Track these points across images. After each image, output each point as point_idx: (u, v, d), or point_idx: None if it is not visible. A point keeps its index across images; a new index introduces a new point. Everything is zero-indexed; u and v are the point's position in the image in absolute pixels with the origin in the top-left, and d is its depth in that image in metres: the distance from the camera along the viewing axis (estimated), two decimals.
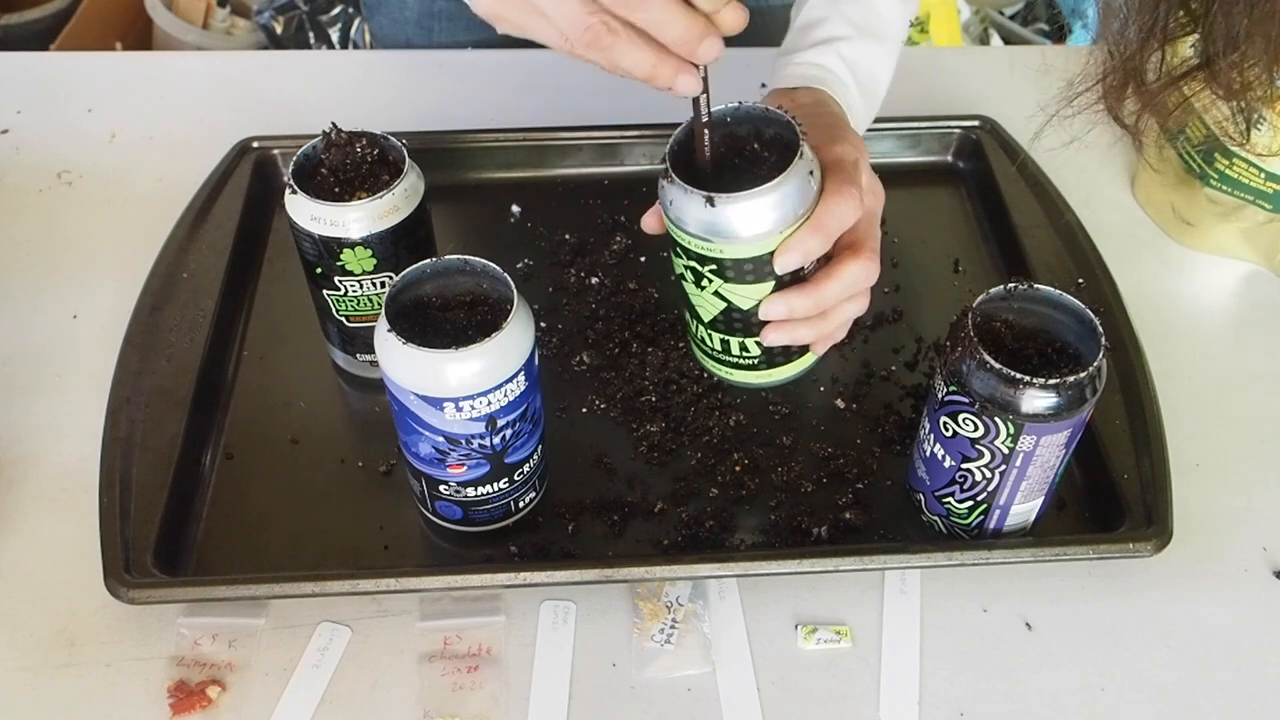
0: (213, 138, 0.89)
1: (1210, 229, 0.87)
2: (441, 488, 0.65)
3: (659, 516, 0.69)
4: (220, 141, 0.88)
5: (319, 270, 0.69)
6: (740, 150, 0.61)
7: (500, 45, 1.06)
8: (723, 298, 0.60)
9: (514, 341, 0.59)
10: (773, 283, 0.59)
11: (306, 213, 0.66)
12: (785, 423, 0.74)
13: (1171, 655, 0.65)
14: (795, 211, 0.57)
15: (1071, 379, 0.58)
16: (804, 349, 0.65)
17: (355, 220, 0.66)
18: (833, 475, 0.71)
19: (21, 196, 0.90)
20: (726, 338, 0.63)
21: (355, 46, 1.96)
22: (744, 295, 0.60)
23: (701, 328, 0.64)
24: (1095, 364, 0.59)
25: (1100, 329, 0.60)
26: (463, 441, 0.61)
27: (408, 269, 0.61)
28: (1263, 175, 0.82)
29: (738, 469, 0.72)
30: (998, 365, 0.58)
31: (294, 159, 0.68)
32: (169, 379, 0.73)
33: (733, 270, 0.59)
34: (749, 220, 0.56)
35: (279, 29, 1.94)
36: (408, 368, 0.58)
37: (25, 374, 0.77)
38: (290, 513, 0.69)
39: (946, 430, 0.62)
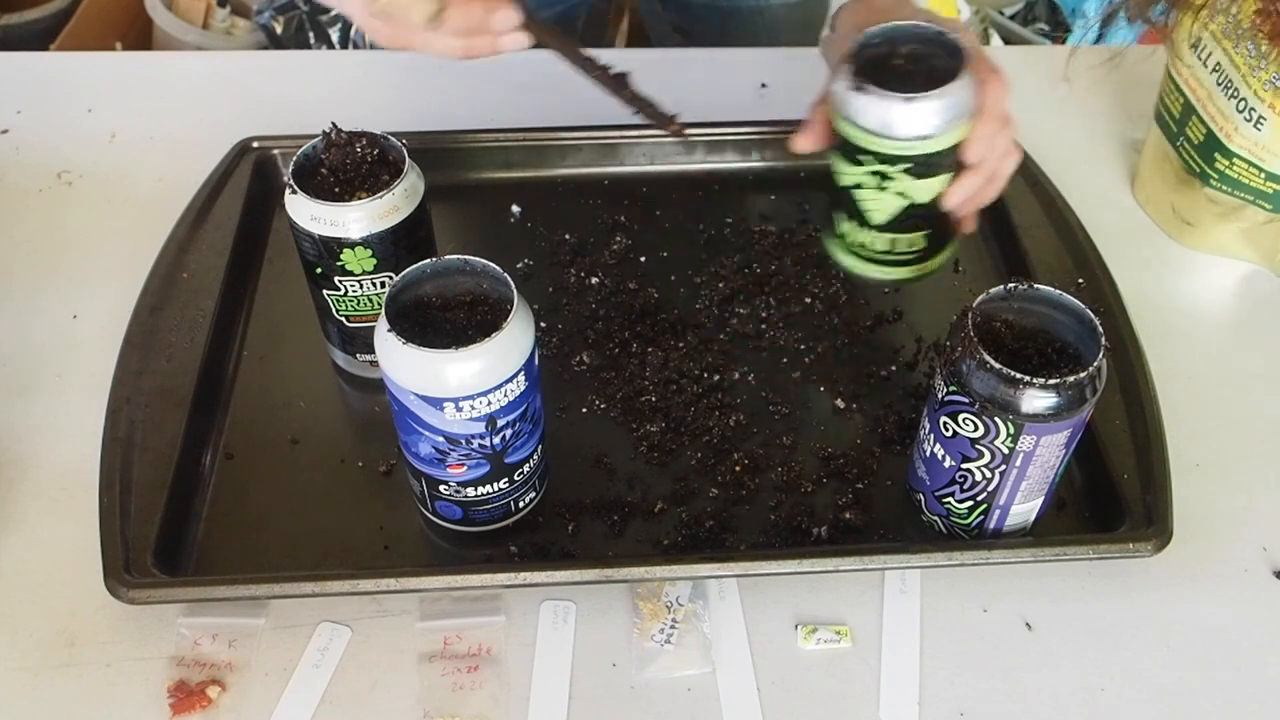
0: (213, 138, 0.89)
1: (1210, 229, 0.87)
2: (441, 488, 0.65)
3: (659, 516, 0.69)
4: (220, 141, 0.88)
5: (319, 270, 0.69)
6: (889, 64, 0.68)
7: None
8: (905, 195, 0.67)
9: (514, 341, 0.59)
10: (949, 174, 0.67)
11: (306, 213, 0.66)
12: (785, 423, 0.75)
13: (1171, 655, 0.65)
14: (970, 106, 0.65)
15: (1071, 379, 0.58)
16: (949, 242, 0.72)
17: (355, 220, 0.66)
18: (833, 475, 0.71)
19: (21, 196, 0.90)
20: (896, 236, 0.70)
21: (355, 46, 1.95)
22: (926, 189, 0.67)
23: (867, 232, 0.70)
24: (1095, 364, 0.59)
25: (1100, 329, 0.60)
26: (463, 441, 0.61)
27: (408, 269, 0.61)
28: (1263, 175, 0.82)
29: (738, 469, 0.72)
30: (998, 365, 0.58)
31: (294, 159, 0.68)
32: (169, 379, 0.73)
33: (922, 165, 0.65)
34: (944, 115, 0.64)
35: (279, 29, 1.93)
36: (408, 368, 0.58)
37: (25, 374, 0.77)
38: (290, 513, 0.69)
39: (946, 430, 0.62)
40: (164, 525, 0.66)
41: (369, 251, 0.67)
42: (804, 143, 0.69)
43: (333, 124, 0.69)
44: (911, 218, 0.69)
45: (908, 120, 0.64)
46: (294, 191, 0.67)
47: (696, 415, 0.74)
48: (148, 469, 0.68)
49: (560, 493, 0.70)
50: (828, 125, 0.67)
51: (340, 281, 0.69)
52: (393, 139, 0.70)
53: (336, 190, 0.68)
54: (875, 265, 0.72)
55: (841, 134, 0.67)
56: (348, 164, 0.69)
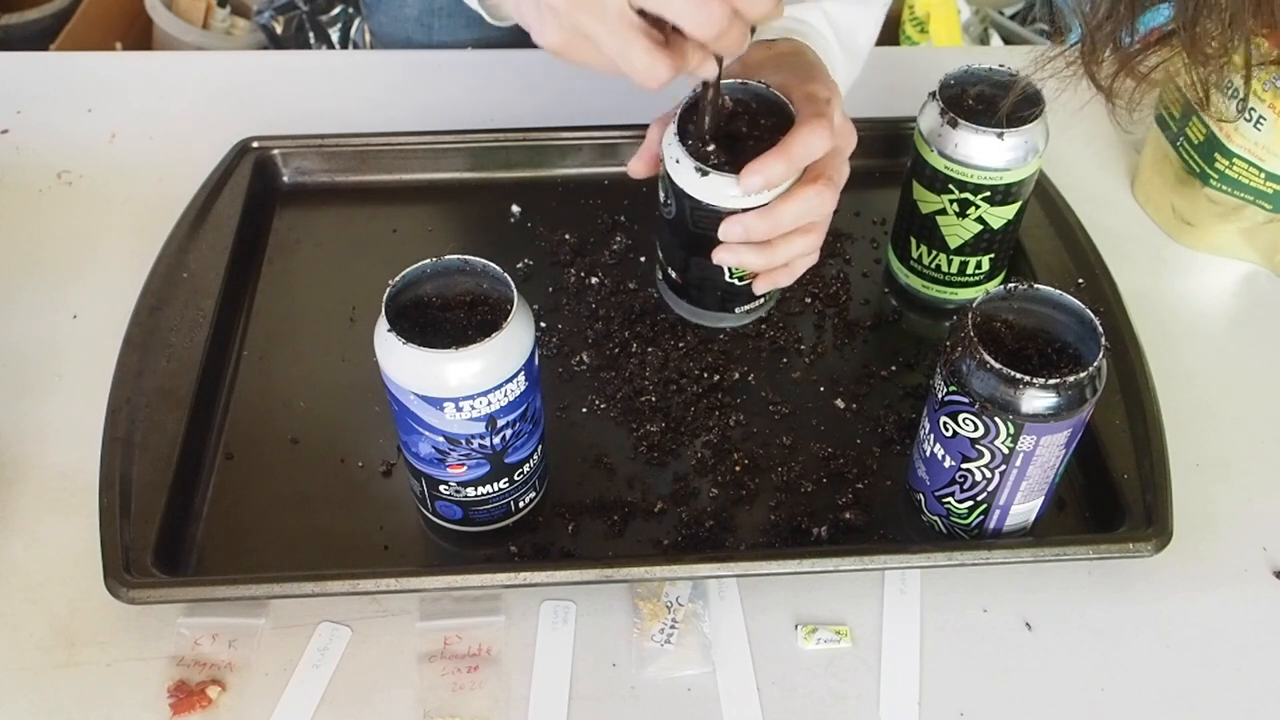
0: (213, 138, 0.89)
1: (1210, 229, 0.87)
2: (441, 488, 0.65)
3: (659, 516, 0.69)
4: (220, 141, 0.88)
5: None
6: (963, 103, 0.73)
7: (500, 45, 1.06)
8: (982, 221, 0.74)
9: (514, 341, 0.59)
10: (1021, 201, 0.74)
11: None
12: (785, 423, 0.75)
13: (1171, 655, 0.65)
14: (1043, 143, 0.72)
15: (1071, 379, 0.58)
16: (1008, 263, 0.79)
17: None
18: (833, 475, 0.71)
19: (21, 196, 0.90)
20: (967, 259, 0.77)
21: (355, 46, 1.95)
22: (999, 216, 0.74)
23: (943, 256, 0.77)
24: (1095, 364, 0.59)
25: (1100, 329, 0.60)
26: (463, 441, 0.61)
27: (407, 269, 0.61)
28: (1263, 175, 0.82)
29: (738, 469, 0.72)
30: (998, 365, 0.58)
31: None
32: (169, 379, 0.73)
33: (1001, 194, 0.72)
34: (1027, 149, 0.71)
35: (279, 29, 1.93)
36: (408, 368, 0.58)
37: (25, 374, 0.77)
38: (290, 513, 0.69)
39: (946, 430, 0.62)
40: (164, 525, 0.66)
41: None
42: (642, 168, 0.66)
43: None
44: (984, 242, 0.75)
45: (998, 153, 0.70)
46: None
47: (696, 415, 0.74)
48: (148, 469, 0.68)
49: (560, 493, 0.70)
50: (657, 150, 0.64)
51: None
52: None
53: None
54: (945, 287, 0.79)
55: (930, 166, 0.73)
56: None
